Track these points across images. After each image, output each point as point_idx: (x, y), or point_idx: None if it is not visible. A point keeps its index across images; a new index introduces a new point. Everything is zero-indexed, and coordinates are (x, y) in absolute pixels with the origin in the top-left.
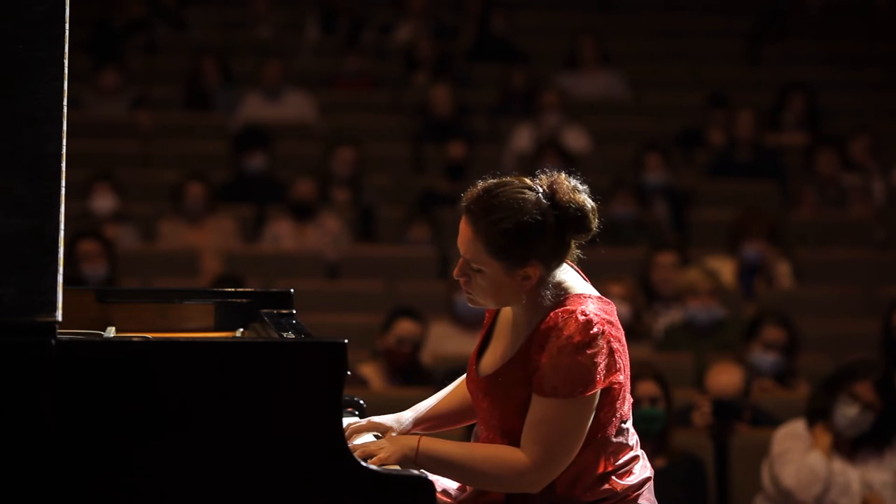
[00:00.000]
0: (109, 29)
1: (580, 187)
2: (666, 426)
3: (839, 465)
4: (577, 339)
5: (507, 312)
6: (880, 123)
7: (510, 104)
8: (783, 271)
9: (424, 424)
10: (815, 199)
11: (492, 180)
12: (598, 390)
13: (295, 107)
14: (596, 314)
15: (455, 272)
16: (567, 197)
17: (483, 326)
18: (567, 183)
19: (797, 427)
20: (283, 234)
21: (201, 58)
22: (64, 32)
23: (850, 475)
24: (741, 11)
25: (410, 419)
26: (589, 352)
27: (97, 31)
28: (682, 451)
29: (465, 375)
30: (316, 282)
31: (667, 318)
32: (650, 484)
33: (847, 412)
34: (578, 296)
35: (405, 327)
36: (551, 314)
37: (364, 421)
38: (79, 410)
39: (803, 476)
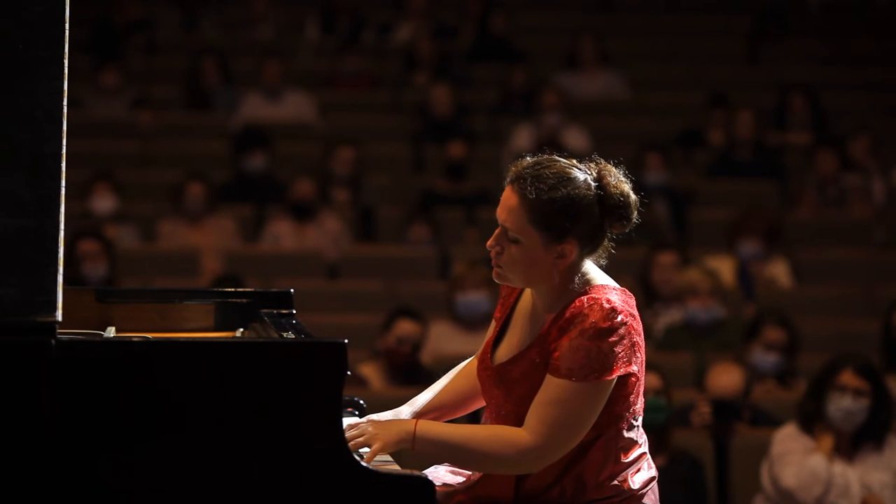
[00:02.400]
0: (109, 29)
1: (625, 179)
2: (668, 420)
3: (839, 467)
4: (600, 325)
5: (523, 305)
6: (880, 123)
7: (510, 104)
8: (780, 270)
9: (423, 418)
10: (815, 199)
11: (541, 156)
12: (613, 378)
13: (295, 107)
14: (621, 304)
15: (489, 242)
16: (614, 183)
17: (497, 320)
18: (615, 172)
19: (795, 429)
20: (283, 234)
21: (201, 58)
22: (64, 32)
23: (850, 477)
24: (741, 11)
25: (408, 414)
26: (610, 339)
27: (97, 31)
28: (681, 449)
29: (457, 367)
30: (316, 282)
31: (667, 318)
32: (654, 484)
33: (841, 404)
34: (602, 286)
35: (405, 327)
36: (576, 301)
37: (363, 420)
38: (79, 410)
39: (804, 477)
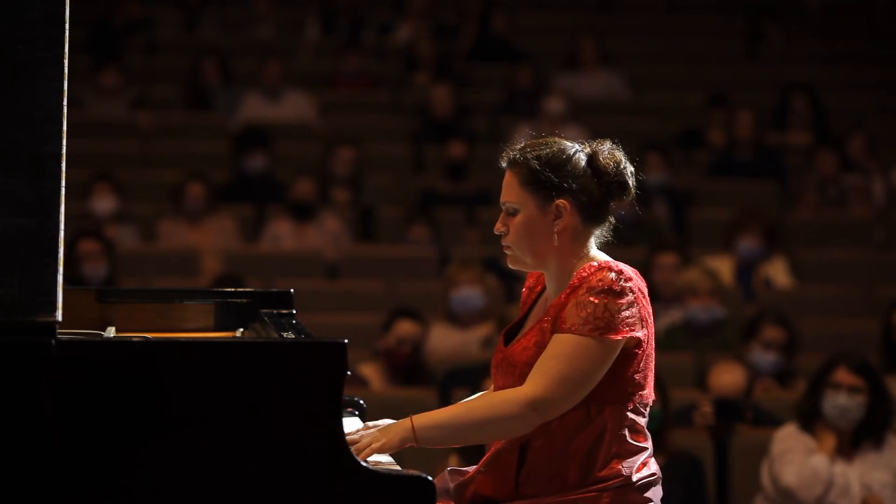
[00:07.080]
0: (109, 29)
1: (620, 151)
2: (662, 425)
3: (840, 467)
4: (609, 284)
5: (541, 300)
6: (880, 123)
7: (517, 103)
8: (779, 270)
9: None
10: (815, 199)
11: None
12: (617, 339)
13: (295, 107)
14: (630, 274)
15: (496, 226)
16: (607, 150)
17: (519, 313)
18: (609, 145)
19: (796, 429)
20: (283, 234)
21: (201, 58)
22: (64, 32)
23: (851, 476)
24: (740, 11)
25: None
26: (618, 301)
27: (97, 31)
28: (681, 449)
29: (473, 396)
30: (316, 282)
31: (667, 318)
32: (658, 484)
33: (836, 402)
34: (608, 261)
35: (405, 327)
36: (584, 267)
37: (360, 428)
38: (79, 410)
39: (805, 477)
